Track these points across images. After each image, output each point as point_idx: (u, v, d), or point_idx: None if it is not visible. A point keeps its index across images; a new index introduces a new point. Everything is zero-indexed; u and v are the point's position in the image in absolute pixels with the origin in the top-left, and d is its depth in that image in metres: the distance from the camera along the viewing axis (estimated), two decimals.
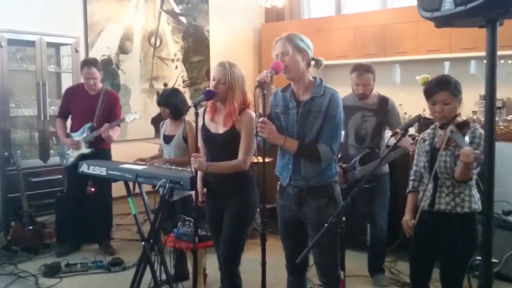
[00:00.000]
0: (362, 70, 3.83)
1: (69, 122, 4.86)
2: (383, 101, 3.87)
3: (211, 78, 2.94)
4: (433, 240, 2.77)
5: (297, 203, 2.66)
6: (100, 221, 4.85)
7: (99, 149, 4.61)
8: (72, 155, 4.66)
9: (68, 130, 4.79)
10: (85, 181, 4.75)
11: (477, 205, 2.67)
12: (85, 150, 4.61)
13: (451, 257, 2.71)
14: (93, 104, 4.63)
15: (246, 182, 2.97)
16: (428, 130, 2.79)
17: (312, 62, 2.66)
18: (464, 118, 2.71)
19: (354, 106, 3.91)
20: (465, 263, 2.71)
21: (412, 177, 2.90)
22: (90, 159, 4.47)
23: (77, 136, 4.64)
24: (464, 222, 2.65)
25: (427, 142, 2.76)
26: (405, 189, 2.96)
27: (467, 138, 2.50)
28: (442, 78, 2.70)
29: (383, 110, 3.84)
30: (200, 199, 3.02)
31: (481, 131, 2.54)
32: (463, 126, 2.60)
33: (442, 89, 2.60)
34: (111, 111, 4.66)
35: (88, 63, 4.64)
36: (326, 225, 2.37)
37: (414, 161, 2.90)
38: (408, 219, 2.82)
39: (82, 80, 4.75)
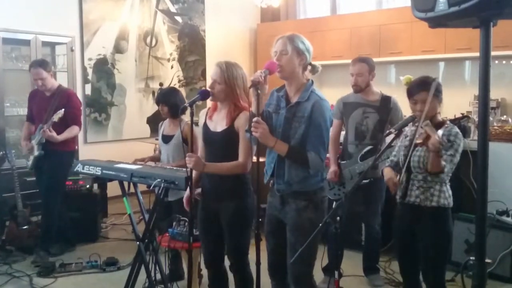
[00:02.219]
0: (358, 60, 3.80)
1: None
2: (386, 99, 3.81)
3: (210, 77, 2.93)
4: (411, 232, 2.86)
5: (280, 202, 2.67)
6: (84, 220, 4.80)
7: (53, 150, 4.41)
8: (31, 158, 4.59)
9: None
10: None
11: (446, 201, 2.77)
12: (35, 152, 4.49)
13: (425, 251, 2.81)
14: (47, 105, 4.47)
15: (242, 186, 2.90)
16: (412, 127, 2.85)
17: (309, 67, 2.66)
18: (442, 118, 2.85)
19: (355, 103, 3.86)
20: (439, 257, 2.80)
21: (388, 162, 3.06)
22: (45, 161, 4.43)
23: (33, 139, 4.53)
24: (432, 216, 2.77)
25: (408, 138, 2.84)
26: None
27: (440, 132, 2.65)
28: (424, 79, 2.80)
29: (386, 108, 3.78)
30: (185, 204, 2.99)
31: (457, 130, 2.73)
32: (439, 125, 2.74)
33: (422, 89, 2.73)
34: (65, 110, 4.39)
35: (35, 64, 4.49)
36: (320, 224, 2.36)
37: (394, 152, 3.02)
38: (393, 176, 2.86)
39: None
